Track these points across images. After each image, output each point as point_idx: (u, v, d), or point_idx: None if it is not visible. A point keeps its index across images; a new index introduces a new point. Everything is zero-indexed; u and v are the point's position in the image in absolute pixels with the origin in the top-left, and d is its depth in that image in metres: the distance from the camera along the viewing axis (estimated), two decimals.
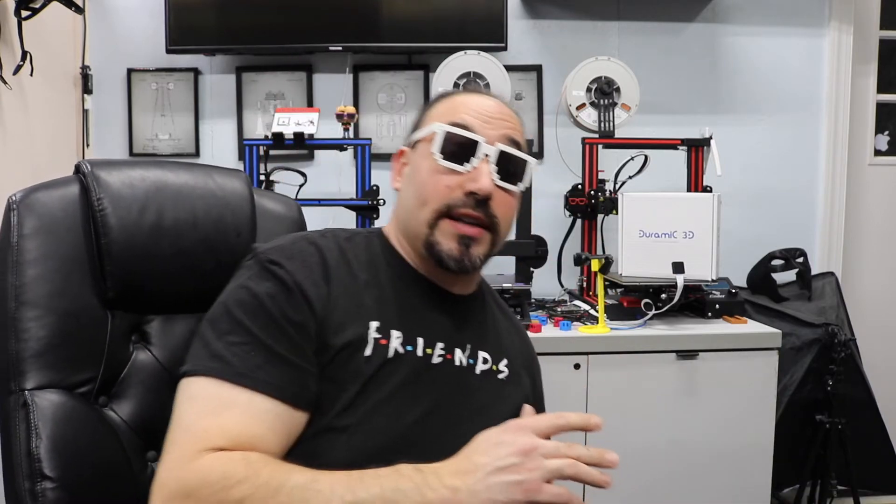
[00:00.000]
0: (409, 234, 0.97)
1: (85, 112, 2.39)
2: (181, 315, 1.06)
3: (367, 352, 0.88)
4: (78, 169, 1.03)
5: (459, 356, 0.96)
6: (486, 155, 0.94)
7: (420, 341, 0.92)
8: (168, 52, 2.31)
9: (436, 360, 0.93)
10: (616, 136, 2.12)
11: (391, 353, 0.89)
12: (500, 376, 1.01)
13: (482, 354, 0.99)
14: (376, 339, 0.88)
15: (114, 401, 1.00)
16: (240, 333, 0.84)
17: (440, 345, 0.94)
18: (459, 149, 0.94)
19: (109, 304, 1.00)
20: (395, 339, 0.90)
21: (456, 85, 2.05)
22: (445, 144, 0.94)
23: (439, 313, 0.97)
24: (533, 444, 0.77)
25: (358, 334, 0.88)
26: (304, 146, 2.02)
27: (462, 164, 0.93)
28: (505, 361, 1.02)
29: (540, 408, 1.08)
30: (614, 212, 2.00)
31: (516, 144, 0.98)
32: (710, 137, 2.09)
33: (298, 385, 0.83)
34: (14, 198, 0.98)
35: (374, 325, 0.89)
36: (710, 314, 1.95)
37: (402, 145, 1.04)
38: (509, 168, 0.96)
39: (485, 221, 0.94)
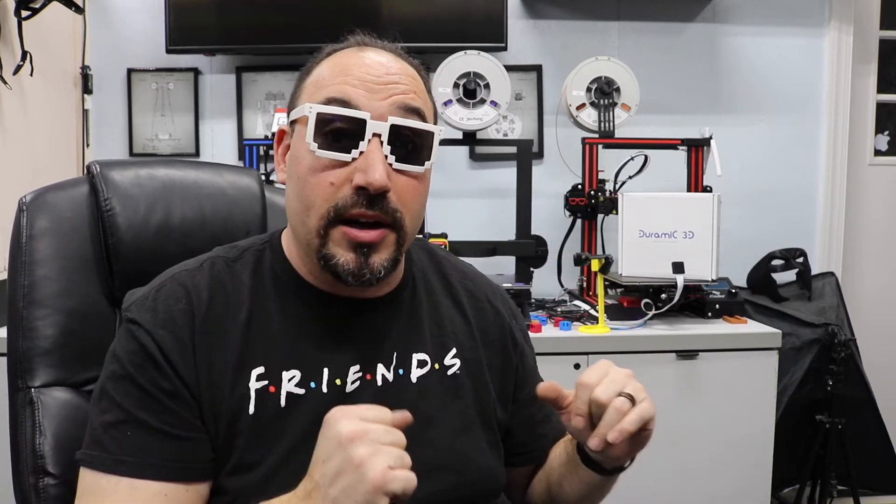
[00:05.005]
0: (301, 243, 0.80)
1: (85, 112, 2.39)
2: None
3: (251, 409, 0.76)
4: (88, 169, 1.04)
5: (382, 372, 0.82)
6: (376, 134, 0.74)
7: (325, 373, 0.79)
8: (168, 52, 2.31)
9: (350, 387, 0.79)
10: (616, 136, 2.12)
11: (283, 400, 0.76)
12: (451, 371, 0.87)
13: (417, 357, 0.84)
14: (261, 390, 0.76)
15: None
16: (114, 411, 0.74)
17: (354, 368, 0.80)
18: (341, 132, 0.75)
19: (117, 302, 1.01)
20: (289, 382, 0.77)
21: (456, 85, 2.04)
22: (320, 129, 0.74)
23: (349, 331, 0.82)
24: (355, 430, 0.63)
25: (237, 392, 0.76)
26: None
27: (347, 152, 0.74)
28: (453, 352, 0.88)
29: (533, 379, 0.96)
30: (614, 212, 2.00)
31: (415, 112, 0.77)
32: (710, 137, 2.09)
33: (185, 458, 0.74)
34: (24, 199, 1.00)
35: (255, 373, 0.77)
36: (710, 314, 1.95)
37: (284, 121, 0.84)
38: (409, 145, 0.77)
39: (384, 220, 0.76)
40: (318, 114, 0.74)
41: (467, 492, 0.73)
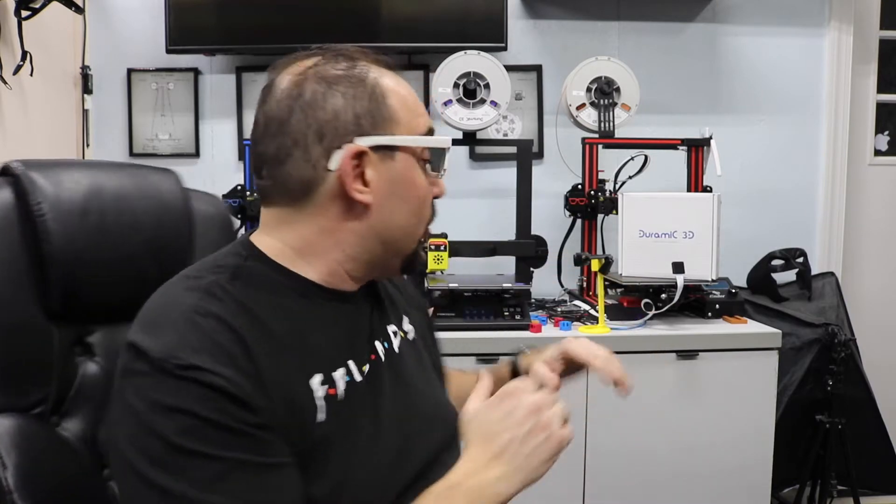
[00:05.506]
0: (390, 253, 0.86)
1: (85, 112, 2.39)
2: (125, 324, 0.97)
3: (321, 416, 0.77)
4: (7, 171, 0.94)
5: (379, 349, 0.89)
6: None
7: (352, 365, 0.83)
8: (168, 52, 2.31)
9: (365, 369, 0.85)
10: (616, 136, 2.12)
11: (340, 395, 0.80)
12: (410, 336, 0.97)
13: (390, 329, 0.94)
14: (326, 397, 0.78)
15: (65, 419, 0.93)
16: (205, 465, 0.68)
17: (366, 353, 0.87)
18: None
19: (53, 316, 0.92)
20: (341, 380, 0.80)
21: (456, 85, 2.04)
22: (440, 156, 0.88)
23: (355, 321, 0.88)
24: (537, 401, 0.82)
25: (308, 404, 0.77)
26: None
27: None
28: (406, 319, 0.99)
29: (434, 338, 1.10)
30: (614, 212, 2.00)
31: None
32: (710, 137, 2.09)
33: (292, 484, 0.73)
34: None
35: (315, 381, 0.78)
36: (710, 314, 1.95)
37: (347, 141, 0.80)
38: None
39: None
40: (447, 145, 0.88)
41: (450, 435, 0.90)
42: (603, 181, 2.13)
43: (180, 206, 1.06)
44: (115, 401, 0.73)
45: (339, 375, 0.81)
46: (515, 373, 1.07)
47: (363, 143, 0.80)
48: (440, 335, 1.11)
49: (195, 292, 0.76)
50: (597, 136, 2.12)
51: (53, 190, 0.94)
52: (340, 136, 0.80)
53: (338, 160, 0.79)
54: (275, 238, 0.84)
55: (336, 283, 0.85)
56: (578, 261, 1.95)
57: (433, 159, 0.87)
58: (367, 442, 0.81)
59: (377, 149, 0.81)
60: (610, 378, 1.01)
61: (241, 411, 0.70)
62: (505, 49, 2.30)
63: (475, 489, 0.77)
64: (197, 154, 2.45)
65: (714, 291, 2.02)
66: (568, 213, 2.17)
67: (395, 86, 0.85)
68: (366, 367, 0.85)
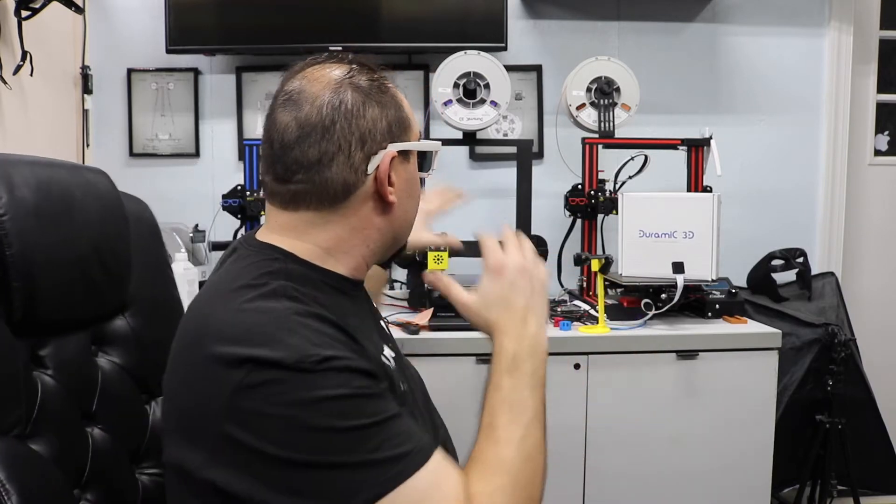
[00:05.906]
0: (396, 245, 0.98)
1: (85, 112, 2.39)
2: (72, 335, 0.95)
3: (403, 386, 0.91)
4: None
5: (383, 324, 1.04)
6: None
7: (384, 341, 0.96)
8: (168, 52, 2.31)
9: (390, 343, 0.99)
10: (616, 136, 2.12)
11: (397, 366, 0.93)
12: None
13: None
14: (392, 370, 0.90)
15: (32, 439, 0.85)
16: (371, 433, 0.75)
17: (383, 330, 1.02)
18: None
19: (17, 328, 0.85)
20: (391, 357, 0.93)
21: (456, 85, 2.04)
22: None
23: (371, 304, 1.03)
24: (519, 263, 0.94)
25: (388, 375, 0.88)
26: None
27: None
28: None
29: None
30: (614, 212, 2.00)
31: None
32: (710, 137, 2.09)
33: (421, 430, 0.84)
34: None
35: (385, 359, 0.90)
36: (710, 314, 1.95)
37: (383, 147, 0.89)
38: None
39: None
40: (440, 148, 0.99)
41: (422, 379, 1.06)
42: (603, 181, 2.12)
43: (118, 207, 1.02)
44: (223, 420, 0.73)
45: (388, 352, 0.93)
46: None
47: (394, 147, 0.89)
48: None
49: (277, 298, 0.80)
50: (597, 136, 2.11)
51: (5, 187, 0.86)
52: (378, 142, 0.88)
53: (376, 164, 0.88)
54: (302, 240, 0.89)
55: (357, 275, 0.94)
56: (578, 261, 1.95)
57: (425, 160, 0.97)
58: (415, 401, 0.95)
59: (399, 152, 0.91)
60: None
61: (373, 381, 0.79)
62: (505, 49, 2.30)
63: (531, 347, 0.88)
64: (197, 154, 2.45)
65: (714, 291, 2.02)
66: (568, 213, 2.17)
67: (401, 94, 0.95)
68: (390, 342, 0.98)
